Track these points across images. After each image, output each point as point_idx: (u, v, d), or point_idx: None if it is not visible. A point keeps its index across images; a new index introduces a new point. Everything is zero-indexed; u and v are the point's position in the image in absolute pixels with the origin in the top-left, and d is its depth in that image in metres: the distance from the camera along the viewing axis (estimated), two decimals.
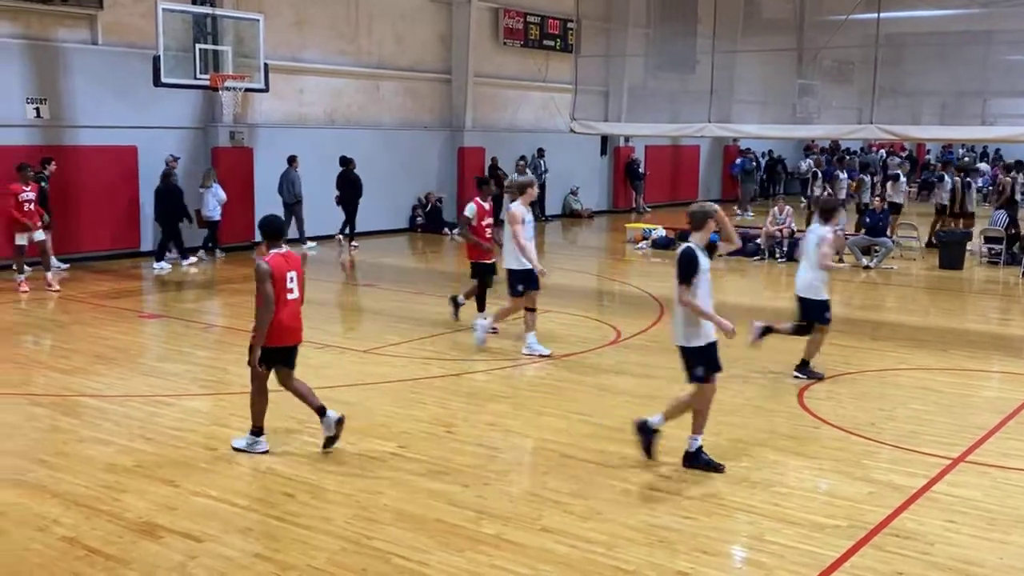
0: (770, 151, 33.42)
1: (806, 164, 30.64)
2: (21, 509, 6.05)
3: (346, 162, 19.36)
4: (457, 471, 6.86)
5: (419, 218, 22.47)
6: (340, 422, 7.13)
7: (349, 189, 19.27)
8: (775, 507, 6.31)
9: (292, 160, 18.61)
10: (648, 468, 6.98)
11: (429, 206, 22.51)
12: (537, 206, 25.27)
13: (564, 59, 24.21)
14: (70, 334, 11.28)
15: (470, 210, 11.53)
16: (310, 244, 19.08)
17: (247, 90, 16.51)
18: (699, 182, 31.83)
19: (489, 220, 11.60)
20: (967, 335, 12.18)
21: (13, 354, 10.24)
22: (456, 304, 12.13)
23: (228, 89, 15.94)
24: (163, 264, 16.21)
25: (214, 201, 17.29)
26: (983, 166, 32.40)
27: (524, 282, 10.45)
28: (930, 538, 5.82)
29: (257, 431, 7.14)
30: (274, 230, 7.10)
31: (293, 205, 18.52)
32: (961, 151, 36.61)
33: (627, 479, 6.76)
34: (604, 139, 27.09)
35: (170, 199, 16.30)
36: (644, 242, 20.58)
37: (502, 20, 24.11)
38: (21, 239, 13.80)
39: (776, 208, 19.14)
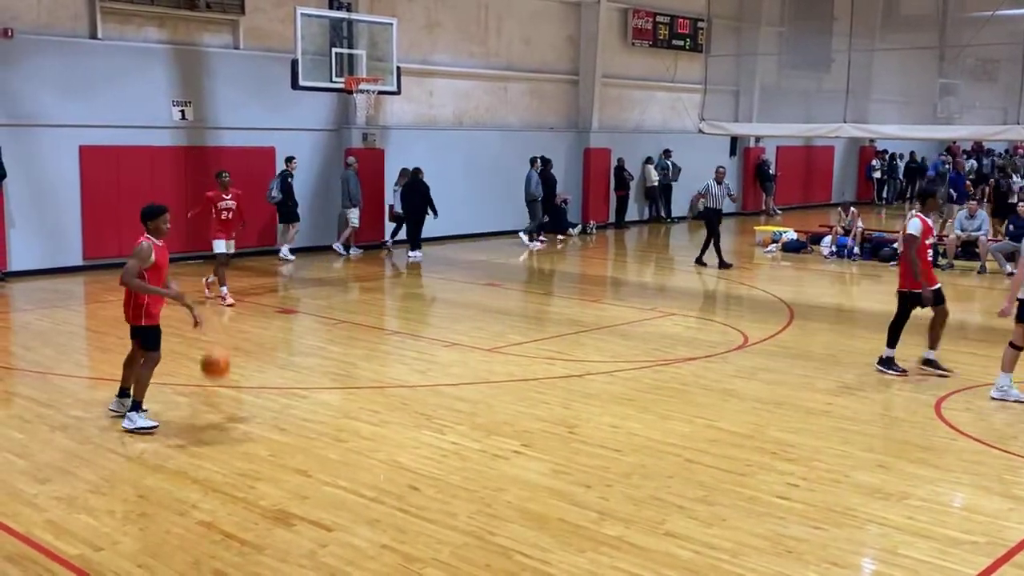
0: (912, 153, 32.23)
1: (969, 165, 29.63)
2: (163, 493, 6.36)
3: (545, 162, 20.53)
4: (579, 471, 6.86)
5: (545, 218, 22.52)
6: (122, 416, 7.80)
7: (544, 188, 20.46)
8: (909, 520, 6.09)
9: (533, 161, 20.17)
10: (775, 476, 6.84)
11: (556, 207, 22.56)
12: (663, 206, 25.13)
13: (693, 59, 23.95)
14: (211, 328, 11.76)
15: (915, 227, 9.54)
16: (536, 244, 19.93)
17: (380, 92, 16.91)
18: (833, 184, 30.96)
19: (932, 239, 10.09)
20: None
21: None
22: (933, 364, 9.83)
23: (362, 92, 16.37)
24: (416, 253, 17.93)
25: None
26: None
27: None
28: None
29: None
30: (145, 215, 7.79)
31: (531, 202, 20.15)
32: None
33: (754, 487, 6.64)
34: (733, 140, 26.62)
35: (418, 194, 17.85)
36: (773, 245, 20.13)
37: (631, 20, 23.99)
38: (221, 246, 13.09)
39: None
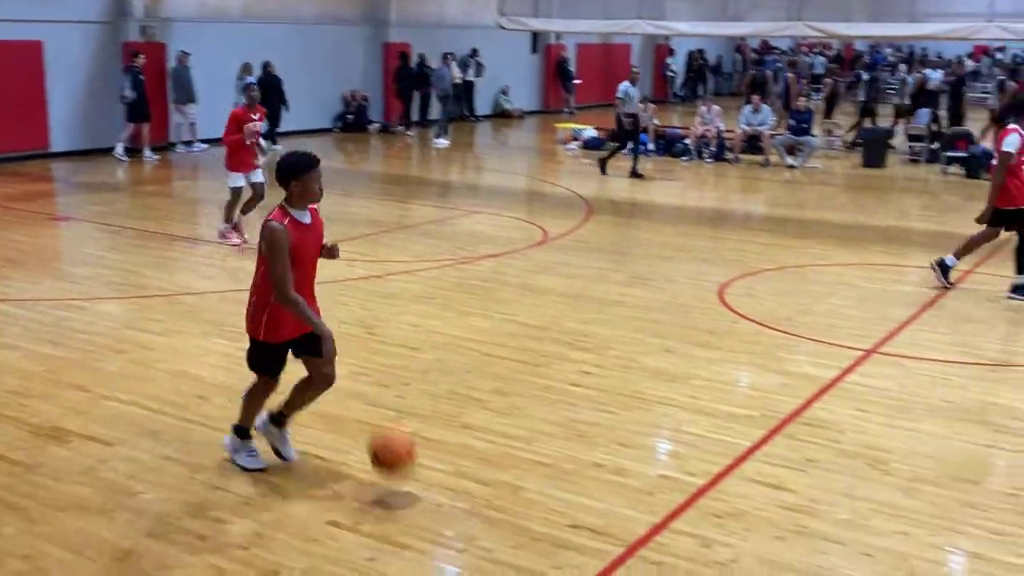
0: (701, 50, 33.19)
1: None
2: None
3: (404, 57, 21.48)
4: (378, 372, 6.79)
5: (350, 117, 21.92)
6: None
7: (406, 81, 21.53)
8: (692, 399, 6.38)
9: (446, 57, 21.45)
10: (570, 365, 6.99)
11: (356, 105, 21.96)
12: (465, 105, 24.91)
13: None
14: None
15: (1012, 143, 8.82)
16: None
17: None
18: None
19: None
20: (886, 231, 12.38)
21: None
22: (944, 267, 9.32)
23: None
24: (276, 147, 17.29)
25: None
26: (903, 66, 32.50)
27: None
28: (841, 427, 5.95)
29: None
30: (287, 171, 4.98)
31: (444, 98, 20.96)
32: (888, 50, 36.78)
33: (549, 376, 6.77)
34: (535, 36, 26.57)
35: (273, 89, 17.99)
36: (575, 143, 20.39)
37: None
38: (237, 180, 10.53)
39: (704, 108, 19.05)
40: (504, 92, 26.28)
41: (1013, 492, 5.13)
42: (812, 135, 18.07)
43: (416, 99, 22.83)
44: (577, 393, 6.46)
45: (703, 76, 33.22)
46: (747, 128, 18.17)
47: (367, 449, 4.92)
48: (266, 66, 18.42)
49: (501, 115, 26.10)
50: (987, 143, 17.55)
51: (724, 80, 35.50)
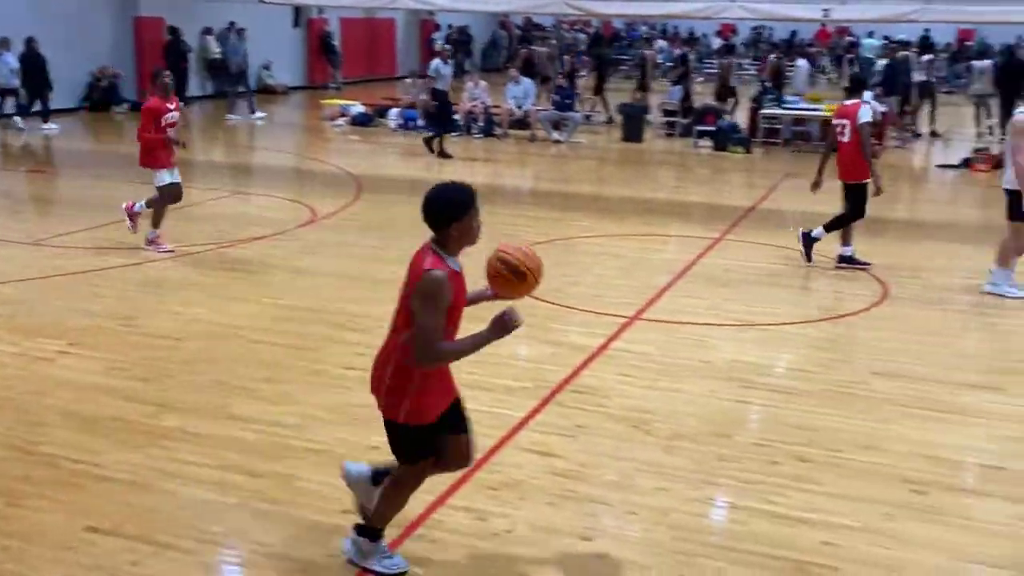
0: (464, 27, 33.46)
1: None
2: None
3: (173, 32, 20.59)
4: (137, 365, 6.43)
5: (98, 96, 20.56)
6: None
7: (172, 56, 20.00)
8: (469, 375, 6.36)
9: (233, 30, 21.15)
10: (343, 347, 6.89)
11: (106, 83, 20.62)
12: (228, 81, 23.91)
13: None
14: None
15: (867, 114, 9.12)
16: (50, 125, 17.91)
17: None
18: (397, 57, 31.39)
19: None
20: (646, 203, 12.97)
21: None
22: (808, 240, 9.45)
23: None
24: (52, 126, 17.54)
25: (6, 69, 17.25)
26: (662, 42, 34.22)
27: None
28: (606, 391, 6.20)
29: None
30: (441, 210, 3.95)
31: (239, 74, 20.86)
32: (644, 28, 38.48)
33: (321, 360, 6.65)
34: (297, 10, 25.87)
35: (36, 66, 17.36)
36: (342, 119, 20.07)
37: None
38: (166, 177, 9.43)
39: (471, 83, 19.22)
40: (266, 67, 25.45)
41: (759, 443, 5.53)
42: (575, 111, 18.64)
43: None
44: (351, 376, 6.36)
45: (469, 52, 33.52)
46: (513, 104, 18.49)
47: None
48: (29, 42, 17.46)
49: (264, 91, 25.25)
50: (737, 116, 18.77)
51: (493, 56, 35.97)
